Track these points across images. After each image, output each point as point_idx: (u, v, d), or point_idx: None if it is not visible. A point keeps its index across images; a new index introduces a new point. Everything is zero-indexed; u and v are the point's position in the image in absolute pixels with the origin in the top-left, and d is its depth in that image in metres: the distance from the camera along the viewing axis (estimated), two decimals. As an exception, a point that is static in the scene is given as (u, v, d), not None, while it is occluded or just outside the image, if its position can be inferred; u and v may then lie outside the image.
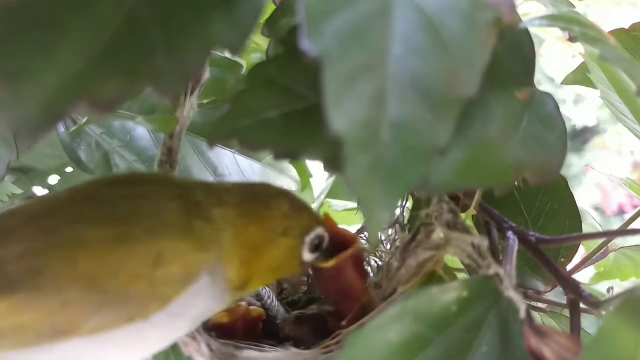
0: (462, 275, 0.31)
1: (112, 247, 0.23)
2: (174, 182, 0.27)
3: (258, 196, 0.27)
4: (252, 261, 0.26)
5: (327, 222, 0.29)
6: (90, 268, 0.22)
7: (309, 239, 0.27)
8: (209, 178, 0.41)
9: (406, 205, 0.36)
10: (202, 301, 0.25)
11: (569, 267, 0.34)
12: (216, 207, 0.25)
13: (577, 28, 0.23)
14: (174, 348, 0.36)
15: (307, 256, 0.27)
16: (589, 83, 0.37)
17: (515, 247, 0.27)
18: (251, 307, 0.34)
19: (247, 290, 0.27)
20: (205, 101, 0.37)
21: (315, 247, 0.27)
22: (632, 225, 0.39)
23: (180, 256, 0.23)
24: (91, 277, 0.22)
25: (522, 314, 0.22)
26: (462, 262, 0.28)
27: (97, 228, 0.23)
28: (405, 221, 0.35)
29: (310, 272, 0.38)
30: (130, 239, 0.23)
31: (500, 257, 0.28)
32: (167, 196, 0.25)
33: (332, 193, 0.58)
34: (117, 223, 0.23)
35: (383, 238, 0.39)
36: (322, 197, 0.58)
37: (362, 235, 0.46)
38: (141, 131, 0.41)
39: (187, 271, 0.23)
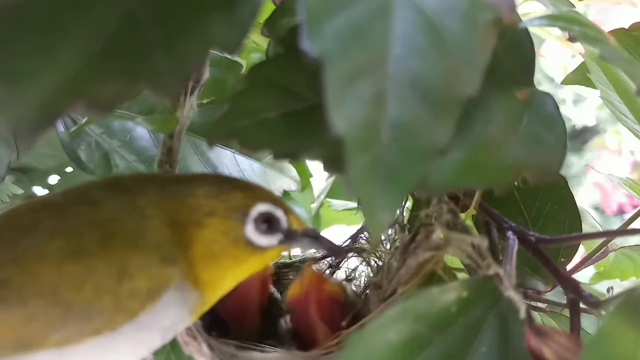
0: (462, 275, 0.31)
1: (74, 260, 0.22)
2: (127, 185, 0.25)
3: (184, 180, 0.25)
4: (192, 250, 0.24)
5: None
6: (53, 281, 0.22)
7: (250, 217, 0.24)
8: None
9: (406, 206, 0.36)
10: (172, 313, 0.24)
11: (569, 267, 0.34)
12: (142, 196, 0.24)
13: (577, 28, 0.23)
14: (175, 348, 0.36)
15: (262, 240, 0.24)
16: (589, 83, 0.37)
17: (515, 247, 0.27)
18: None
19: (209, 294, 0.25)
20: (205, 101, 0.37)
21: (268, 228, 0.24)
22: (632, 225, 0.39)
23: (146, 270, 0.23)
24: (55, 290, 0.22)
25: (523, 314, 0.22)
26: (462, 262, 0.28)
27: (58, 241, 0.22)
28: (405, 221, 0.35)
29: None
30: (90, 252, 0.22)
31: (500, 257, 0.28)
32: (121, 206, 0.24)
33: (332, 193, 0.58)
34: (76, 236, 0.23)
35: (383, 238, 0.39)
36: (322, 197, 0.58)
37: (363, 235, 0.46)
38: (141, 131, 0.41)
39: (153, 285, 0.23)
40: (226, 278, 0.25)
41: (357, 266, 0.47)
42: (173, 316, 0.24)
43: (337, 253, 0.33)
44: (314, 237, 0.26)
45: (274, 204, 0.25)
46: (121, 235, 0.23)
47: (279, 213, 0.25)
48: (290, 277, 0.44)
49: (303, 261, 0.46)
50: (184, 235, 0.24)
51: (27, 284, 0.22)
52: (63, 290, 0.22)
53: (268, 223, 0.24)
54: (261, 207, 0.24)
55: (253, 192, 0.25)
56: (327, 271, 0.47)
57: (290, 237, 0.25)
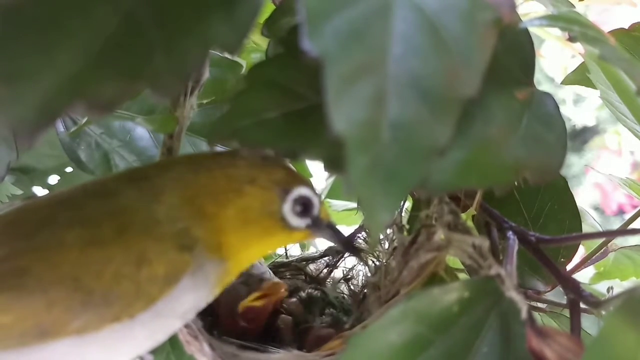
0: (463, 276, 0.31)
1: (93, 248, 0.23)
2: (146, 172, 0.26)
3: (223, 155, 0.26)
4: (222, 217, 0.24)
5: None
6: (74, 269, 0.22)
7: (291, 197, 0.25)
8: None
9: (405, 206, 0.36)
10: (190, 297, 0.24)
11: (569, 267, 0.34)
12: (160, 180, 0.24)
13: (577, 28, 0.23)
14: (175, 348, 0.36)
15: (294, 220, 0.25)
16: (589, 83, 0.37)
17: (516, 247, 0.27)
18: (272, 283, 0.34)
19: (234, 263, 0.26)
20: (205, 101, 0.37)
21: (302, 211, 0.25)
22: (632, 225, 0.39)
23: (164, 255, 0.23)
24: (75, 277, 0.22)
25: (524, 314, 0.22)
26: (463, 263, 0.28)
27: (77, 230, 0.23)
28: (404, 222, 0.35)
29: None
30: (109, 239, 0.23)
31: (501, 258, 0.28)
32: (139, 193, 0.24)
33: (332, 193, 0.58)
34: (94, 225, 0.23)
35: (381, 238, 0.39)
36: (322, 197, 0.58)
37: (361, 235, 0.46)
38: (141, 131, 0.41)
39: (171, 271, 0.23)
40: (252, 247, 0.26)
41: (354, 266, 0.47)
42: (191, 300, 0.24)
43: (352, 250, 0.33)
44: (335, 230, 0.27)
45: (313, 191, 0.26)
46: (139, 222, 0.23)
47: (315, 200, 0.26)
48: (288, 275, 0.43)
49: (300, 261, 0.46)
50: (214, 205, 0.24)
51: (48, 272, 0.22)
52: (83, 277, 0.22)
53: (304, 206, 0.25)
54: (303, 191, 0.25)
55: (295, 174, 0.26)
56: (325, 270, 0.47)
57: (317, 224, 0.26)
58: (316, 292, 0.42)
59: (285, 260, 0.46)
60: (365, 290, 0.40)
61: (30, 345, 0.22)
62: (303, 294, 0.40)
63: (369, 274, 0.44)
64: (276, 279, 0.36)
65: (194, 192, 0.24)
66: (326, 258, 0.47)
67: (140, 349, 0.25)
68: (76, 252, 0.22)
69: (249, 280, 0.33)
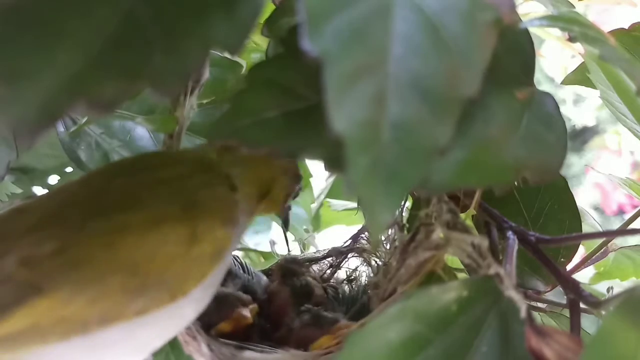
0: (462, 275, 0.31)
1: (145, 230, 0.23)
2: (183, 156, 0.28)
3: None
4: (258, 197, 0.29)
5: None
6: (129, 253, 0.23)
7: (296, 189, 0.33)
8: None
9: (405, 205, 0.36)
10: (225, 269, 0.26)
11: (569, 267, 0.34)
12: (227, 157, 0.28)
13: (577, 28, 0.23)
14: (174, 348, 0.36)
15: (289, 200, 0.34)
16: (589, 83, 0.37)
17: (515, 247, 0.27)
18: (243, 310, 0.35)
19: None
20: (205, 101, 0.37)
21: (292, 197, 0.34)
22: (632, 225, 0.39)
23: (212, 232, 0.25)
24: (131, 261, 0.23)
25: (523, 313, 0.22)
26: (462, 262, 0.28)
27: (125, 214, 0.24)
28: (405, 221, 0.35)
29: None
30: (161, 221, 0.24)
31: (500, 257, 0.28)
32: (184, 172, 0.26)
33: (332, 193, 0.59)
34: (141, 208, 0.24)
35: (383, 238, 0.40)
36: (322, 197, 0.59)
37: (363, 235, 0.46)
38: (141, 131, 0.41)
39: (219, 247, 0.25)
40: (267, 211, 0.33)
41: (358, 266, 0.47)
42: (224, 271, 0.27)
43: (285, 224, 0.38)
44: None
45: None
46: (189, 203, 0.25)
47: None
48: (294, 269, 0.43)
49: (308, 260, 0.46)
50: (253, 187, 0.29)
51: (106, 259, 0.22)
52: (140, 260, 0.23)
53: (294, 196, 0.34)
54: (298, 187, 0.34)
55: (299, 173, 0.34)
56: (329, 270, 0.47)
57: (289, 207, 0.35)
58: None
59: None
60: (369, 291, 0.40)
61: (90, 332, 0.22)
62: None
63: (371, 275, 0.44)
64: (245, 298, 0.36)
65: (250, 173, 0.28)
66: (330, 259, 0.48)
67: (186, 324, 0.26)
68: (130, 236, 0.23)
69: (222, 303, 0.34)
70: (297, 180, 0.33)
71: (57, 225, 0.23)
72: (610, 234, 0.40)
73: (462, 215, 0.28)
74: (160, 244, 0.23)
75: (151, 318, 0.23)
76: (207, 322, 0.33)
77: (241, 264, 0.42)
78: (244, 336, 0.34)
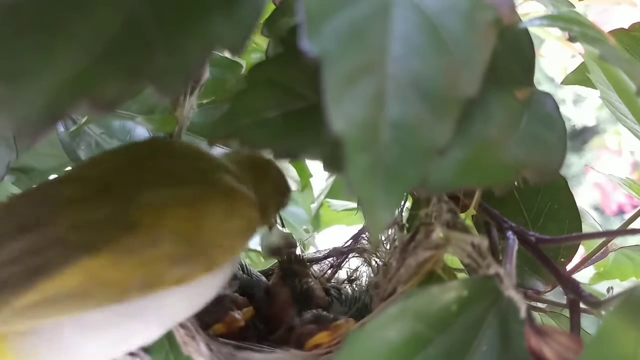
0: (462, 275, 0.31)
1: (194, 203, 0.25)
2: (202, 154, 0.29)
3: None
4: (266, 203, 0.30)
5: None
6: (179, 223, 0.24)
7: (286, 201, 0.35)
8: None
9: (405, 205, 0.36)
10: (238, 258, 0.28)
11: (569, 267, 0.34)
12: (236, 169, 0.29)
13: (577, 28, 0.23)
14: (174, 347, 0.36)
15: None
16: (589, 83, 0.37)
17: (515, 247, 0.27)
18: (236, 313, 0.35)
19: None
20: (205, 101, 0.37)
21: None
22: (632, 225, 0.39)
23: (244, 210, 0.27)
24: (180, 230, 0.24)
25: (523, 313, 0.22)
26: (462, 262, 0.28)
27: (173, 189, 0.25)
28: (405, 221, 0.35)
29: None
30: (206, 197, 0.25)
31: (500, 257, 0.28)
32: (214, 167, 0.28)
33: (332, 193, 0.59)
34: (186, 186, 0.26)
35: (383, 238, 0.40)
36: (322, 197, 0.59)
37: (364, 235, 0.46)
38: (141, 131, 0.41)
39: (249, 224, 0.27)
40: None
41: (359, 266, 0.47)
42: (237, 262, 0.29)
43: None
44: None
45: None
46: (225, 187, 0.27)
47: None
48: (294, 269, 0.44)
49: (309, 260, 0.46)
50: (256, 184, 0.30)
51: (155, 226, 0.23)
52: (188, 230, 0.24)
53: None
54: (286, 200, 0.35)
55: (289, 188, 0.35)
56: (329, 271, 0.47)
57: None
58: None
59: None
60: (369, 291, 0.41)
61: (130, 298, 0.22)
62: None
63: (372, 275, 0.44)
64: (241, 300, 0.37)
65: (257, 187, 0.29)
66: (330, 259, 0.48)
67: (210, 297, 0.27)
68: (180, 208, 0.24)
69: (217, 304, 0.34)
70: (287, 195, 0.34)
71: (105, 195, 0.24)
72: (610, 234, 0.40)
73: (462, 215, 0.28)
74: (207, 215, 0.25)
75: (185, 288, 0.24)
76: (204, 322, 0.33)
77: (241, 264, 0.42)
78: (239, 337, 0.34)
